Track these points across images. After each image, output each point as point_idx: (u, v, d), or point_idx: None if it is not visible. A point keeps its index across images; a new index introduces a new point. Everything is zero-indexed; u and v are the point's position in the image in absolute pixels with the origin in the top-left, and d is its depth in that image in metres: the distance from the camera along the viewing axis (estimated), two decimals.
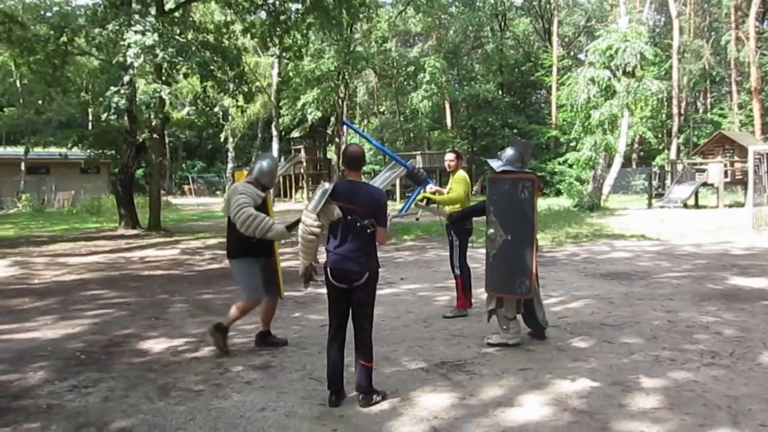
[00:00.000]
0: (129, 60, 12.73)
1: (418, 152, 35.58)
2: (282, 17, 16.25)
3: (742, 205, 22.56)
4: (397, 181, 30.93)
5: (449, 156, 7.07)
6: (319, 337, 5.69)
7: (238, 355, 5.47)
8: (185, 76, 15.23)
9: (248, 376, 4.86)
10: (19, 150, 28.83)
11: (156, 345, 5.87)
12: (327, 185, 4.29)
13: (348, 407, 4.17)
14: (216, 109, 16.20)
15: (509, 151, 5.61)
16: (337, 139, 35.86)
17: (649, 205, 24.28)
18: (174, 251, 13.36)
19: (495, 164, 5.59)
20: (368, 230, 4.17)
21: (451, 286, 8.53)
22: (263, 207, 5.43)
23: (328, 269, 4.26)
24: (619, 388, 4.39)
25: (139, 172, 23.76)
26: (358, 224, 4.16)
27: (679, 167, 26.13)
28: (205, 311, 7.34)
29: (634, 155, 40.26)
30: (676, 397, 4.22)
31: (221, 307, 7.50)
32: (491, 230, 5.40)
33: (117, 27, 12.86)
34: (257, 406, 4.21)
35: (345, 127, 33.86)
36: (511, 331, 5.49)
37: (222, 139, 40.74)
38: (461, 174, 6.96)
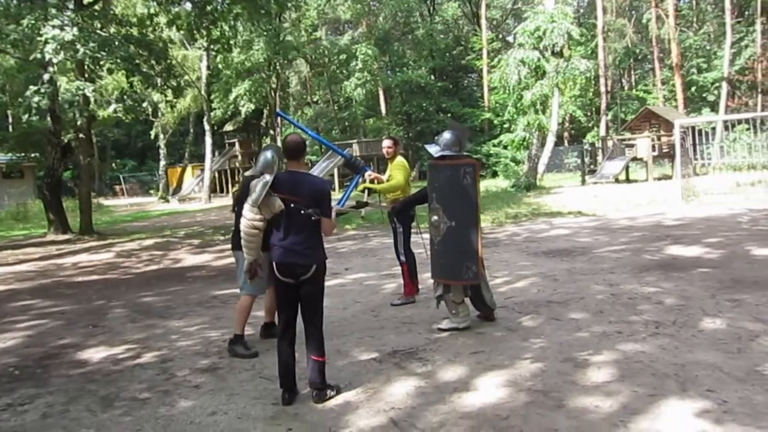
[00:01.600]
0: (48, 57, 12.07)
1: (355, 140, 35.45)
2: (208, 7, 15.73)
3: (670, 177, 23.46)
4: (335, 171, 30.75)
5: (387, 143, 6.98)
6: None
7: (183, 358, 5.27)
8: (109, 71, 14.55)
9: (195, 380, 4.68)
10: None
11: (95, 354, 5.60)
12: (267, 177, 4.15)
13: (302, 404, 4.06)
14: (145, 105, 15.52)
15: (446, 136, 5.55)
16: (271, 131, 35.27)
17: (583, 182, 24.91)
18: (109, 254, 12.85)
19: (433, 150, 5.52)
20: (312, 219, 4.05)
21: (396, 274, 8.49)
22: None
23: (273, 264, 4.10)
24: (571, 365, 4.44)
25: (67, 174, 22.74)
26: (302, 213, 4.03)
27: (609, 143, 26.90)
28: (145, 315, 7.07)
29: (566, 134, 41.25)
30: (627, 368, 4.30)
31: (162, 309, 7.26)
32: (435, 217, 5.36)
33: (32, 22, 12.14)
34: (207, 411, 4.06)
35: (279, 118, 33.37)
36: (460, 315, 5.49)
37: (152, 136, 39.47)
38: (400, 160, 6.91)
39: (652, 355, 4.54)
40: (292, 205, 4.03)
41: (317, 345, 4.12)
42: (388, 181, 6.79)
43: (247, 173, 5.67)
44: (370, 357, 4.94)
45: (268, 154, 5.40)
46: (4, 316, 7.51)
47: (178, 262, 11.30)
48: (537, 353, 4.73)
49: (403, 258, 6.77)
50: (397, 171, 6.75)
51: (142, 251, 13.03)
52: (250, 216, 4.20)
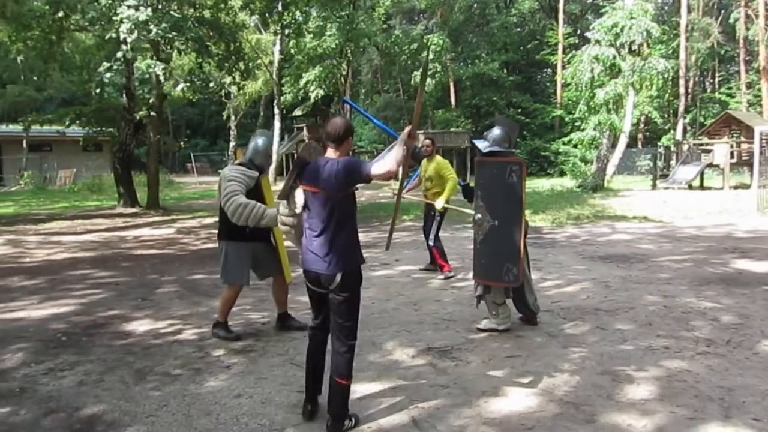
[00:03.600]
0: (122, 35, 12.48)
1: (421, 131, 35.27)
2: None
3: (747, 186, 22.30)
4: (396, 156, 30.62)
5: (426, 141, 7.76)
6: (307, 319, 5.53)
7: (221, 341, 5.33)
8: (179, 51, 14.94)
9: (228, 361, 4.73)
10: (21, 128, 28.66)
11: (139, 327, 5.76)
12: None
13: (323, 394, 4.03)
14: (212, 85, 15.87)
15: (496, 131, 5.40)
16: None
17: (654, 186, 24.01)
18: (170, 230, 13.24)
19: (482, 145, 5.39)
20: (339, 215, 3.43)
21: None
22: (257, 190, 5.14)
23: (302, 269, 3.61)
24: (609, 378, 4.24)
25: (140, 150, 23.58)
26: (324, 207, 3.43)
27: (685, 148, 25.81)
28: (193, 292, 7.22)
29: (640, 135, 39.78)
30: (668, 387, 4.07)
31: (211, 288, 7.39)
32: (478, 215, 5.22)
33: (110, 1, 12.57)
34: (234, 392, 4.08)
35: (347, 105, 33.55)
36: (500, 316, 5.34)
37: (224, 117, 40.44)
38: (443, 160, 7.79)
39: (698, 375, 4.29)
40: (313, 198, 3.47)
41: (343, 364, 3.47)
42: (429, 177, 7.68)
43: (235, 161, 5.50)
44: (403, 352, 4.87)
45: (259, 141, 5.27)
46: (63, 283, 7.83)
47: None
48: (575, 363, 4.54)
49: (431, 243, 7.77)
50: (448, 171, 7.59)
51: (201, 229, 13.36)
52: (281, 210, 3.74)
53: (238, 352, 4.94)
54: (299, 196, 3.52)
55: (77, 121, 18.27)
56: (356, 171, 3.38)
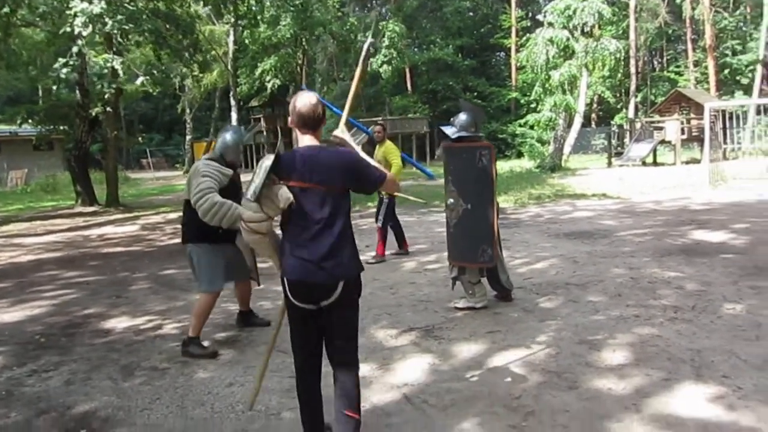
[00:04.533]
0: (77, 30, 12.20)
1: (380, 118, 35.32)
2: None
3: (698, 161, 23.05)
4: (359, 148, 30.68)
5: (378, 128, 8.10)
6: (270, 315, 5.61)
7: (203, 330, 5.34)
8: (137, 44, 14.68)
9: None
10: None
11: (118, 324, 5.74)
12: (269, 158, 2.88)
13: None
14: (173, 78, 15.69)
15: (462, 117, 5.52)
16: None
17: (609, 164, 24.61)
18: (134, 227, 13.07)
19: (450, 131, 5.51)
20: (338, 214, 2.87)
21: (415, 251, 8.57)
22: (231, 187, 4.74)
23: (285, 281, 2.91)
24: (586, 347, 4.43)
25: (95, 147, 23.06)
26: (323, 205, 2.84)
27: (638, 126, 26.48)
28: (167, 287, 7.20)
29: (593, 115, 40.63)
30: (641, 352, 4.28)
31: (185, 282, 7.36)
32: (451, 200, 5.35)
33: None
34: (225, 382, 4.14)
35: None
36: (477, 295, 5.50)
37: (179, 111, 39.75)
38: (391, 144, 8.08)
39: (668, 339, 4.52)
40: (305, 195, 2.84)
41: (354, 394, 2.94)
42: (378, 161, 7.72)
43: (205, 157, 4.95)
44: (386, 333, 4.98)
45: (228, 136, 4.89)
46: (31, 286, 7.70)
47: None
48: (552, 335, 4.73)
49: (378, 224, 8.09)
50: (394, 156, 7.87)
51: (166, 224, 13.22)
52: (247, 215, 2.90)
53: (224, 344, 4.98)
54: (282, 194, 2.81)
55: (29, 120, 17.78)
56: (367, 175, 2.94)
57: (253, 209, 2.89)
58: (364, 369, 4.18)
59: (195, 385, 4.12)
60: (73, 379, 4.37)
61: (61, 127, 18.62)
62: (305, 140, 2.96)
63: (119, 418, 3.67)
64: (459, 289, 5.72)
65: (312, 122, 2.94)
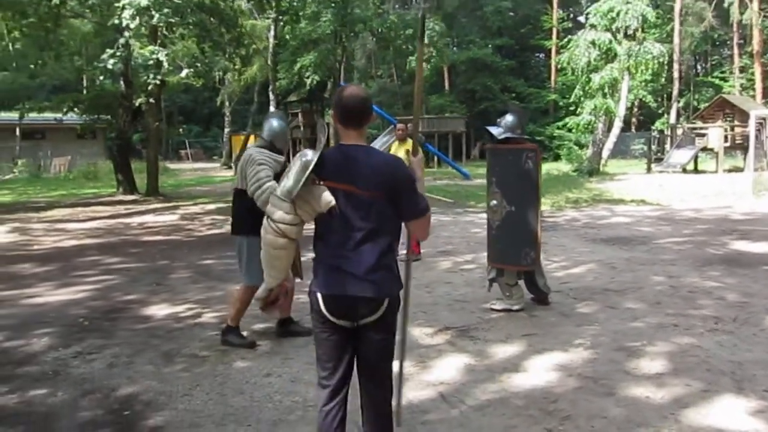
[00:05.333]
0: (124, 22, 12.49)
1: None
2: None
3: (741, 170, 22.49)
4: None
5: (401, 126, 7.90)
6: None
7: (241, 320, 5.43)
8: (182, 37, 14.93)
9: None
10: (14, 115, 28.43)
11: (159, 311, 5.87)
12: (309, 154, 2.58)
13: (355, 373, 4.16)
14: (216, 71, 15.96)
15: (509, 118, 5.52)
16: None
17: (648, 170, 24.16)
18: (173, 217, 13.31)
19: (496, 131, 5.51)
20: (383, 222, 2.54)
21: (452, 251, 8.56)
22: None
23: (318, 296, 2.59)
24: (624, 354, 4.40)
25: (135, 137, 23.53)
26: (368, 209, 2.51)
27: (679, 131, 25.96)
28: (206, 277, 7.33)
29: (634, 119, 39.93)
30: (681, 362, 4.23)
31: (223, 273, 7.50)
32: (494, 201, 5.35)
33: None
34: (263, 372, 4.21)
35: None
36: (514, 297, 5.49)
37: (218, 103, 40.28)
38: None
39: (708, 350, 4.45)
40: (348, 200, 2.52)
41: (389, 425, 2.71)
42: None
43: (255, 145, 4.82)
44: (422, 332, 5.00)
45: (275, 122, 4.75)
46: (74, 270, 7.92)
47: None
48: (590, 340, 4.70)
49: None
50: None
51: (204, 215, 13.42)
52: (277, 215, 2.60)
53: (262, 335, 5.06)
54: (324, 196, 2.51)
55: (74, 109, 18.23)
56: (410, 199, 2.57)
57: (285, 209, 2.59)
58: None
59: (234, 374, 4.20)
60: (116, 362, 4.50)
61: (105, 117, 19.07)
62: (349, 138, 2.60)
63: (161, 402, 3.77)
64: (495, 291, 5.71)
65: (358, 118, 2.60)
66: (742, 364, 4.19)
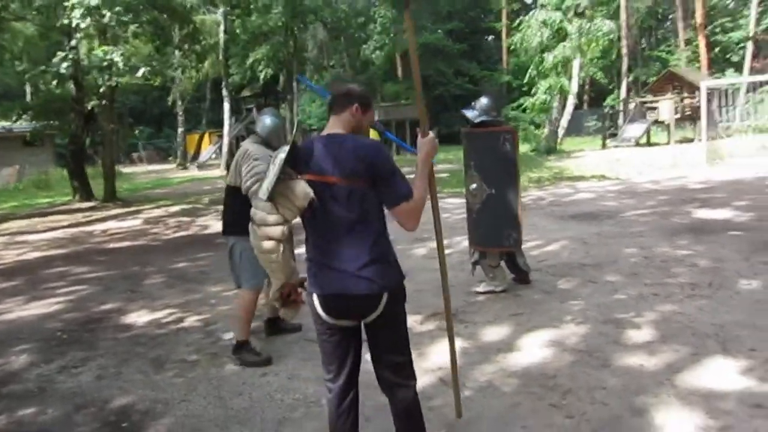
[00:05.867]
0: (74, 22, 12.07)
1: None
2: None
3: (691, 140, 23.16)
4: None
5: None
6: None
7: (226, 322, 5.36)
8: (135, 36, 14.53)
9: None
10: None
11: (138, 318, 5.75)
12: (283, 150, 2.48)
13: None
14: (175, 68, 15.58)
15: (483, 100, 5.54)
16: (288, 96, 35.12)
17: (604, 146, 24.69)
18: (136, 221, 13.02)
19: (471, 114, 5.52)
20: (370, 211, 2.44)
21: (426, 237, 8.60)
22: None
23: (313, 297, 2.51)
24: (612, 326, 4.50)
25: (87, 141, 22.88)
26: (351, 200, 2.40)
27: (631, 106, 26.54)
28: (182, 280, 7.20)
29: (586, 96, 40.65)
30: (667, 329, 4.35)
31: (197, 275, 7.39)
32: (474, 185, 5.38)
33: None
34: (258, 372, 4.17)
35: (297, 83, 33.23)
36: (497, 279, 5.55)
37: (170, 103, 39.46)
38: (372, 131, 7.73)
39: (690, 316, 4.59)
40: (329, 191, 2.42)
41: (416, 415, 2.62)
42: None
43: (250, 140, 4.56)
44: (412, 320, 4.98)
45: (268, 120, 4.52)
46: (42, 282, 7.68)
47: (205, 228, 11.41)
48: (577, 315, 4.79)
49: None
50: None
51: (169, 218, 13.17)
52: (259, 217, 2.50)
53: (251, 334, 4.98)
54: (301, 190, 2.41)
55: (23, 115, 17.61)
56: (390, 183, 2.43)
57: (267, 210, 2.48)
58: None
59: (228, 376, 4.15)
60: (104, 374, 4.39)
61: (55, 123, 18.47)
62: (330, 127, 2.55)
63: (158, 411, 3.70)
64: (479, 274, 5.76)
65: (335, 102, 2.55)
66: (724, 326, 4.33)
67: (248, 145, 4.42)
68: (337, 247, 2.43)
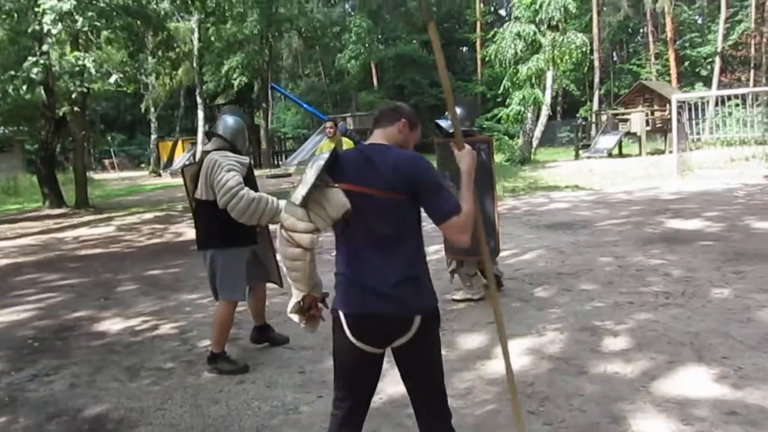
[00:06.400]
0: (45, 28, 11.89)
1: (348, 114, 35.30)
2: None
3: (662, 152, 23.61)
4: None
5: (329, 123, 8.47)
6: (281, 305, 5.57)
7: (201, 329, 5.31)
8: (108, 41, 14.36)
9: None
10: None
11: (112, 326, 5.65)
12: (324, 156, 2.37)
13: (329, 371, 4.11)
14: (149, 74, 15.43)
15: (457, 111, 5.56)
16: (264, 104, 35.01)
17: (577, 156, 25.01)
18: (109, 228, 12.83)
19: (445, 124, 5.57)
20: (408, 226, 2.32)
21: None
22: (251, 178, 4.24)
23: (340, 315, 2.35)
24: (588, 333, 4.55)
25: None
26: (388, 214, 2.28)
27: (603, 118, 26.97)
28: (156, 288, 7.11)
29: (558, 108, 41.25)
30: (642, 337, 4.41)
31: (172, 282, 7.31)
32: None
33: None
34: (235, 380, 4.12)
35: (272, 91, 33.14)
36: (474, 287, 5.58)
37: (143, 110, 39.05)
38: (348, 139, 8.35)
39: (665, 324, 4.66)
40: (366, 203, 2.28)
41: None
42: None
43: (207, 147, 4.40)
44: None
45: (230, 120, 4.33)
46: (12, 290, 7.52)
47: (180, 235, 11.28)
48: (554, 322, 4.83)
49: None
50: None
51: (142, 225, 13.00)
52: (290, 222, 2.37)
53: (226, 342, 4.94)
54: (337, 199, 2.28)
55: None
56: (435, 197, 2.30)
57: (298, 216, 2.34)
58: None
59: (205, 384, 4.10)
60: (77, 382, 4.31)
61: (24, 129, 18.17)
62: (373, 138, 2.44)
63: (134, 419, 3.64)
64: (456, 282, 5.78)
65: (382, 115, 2.47)
66: (698, 334, 4.40)
67: (215, 154, 4.15)
68: (369, 262, 2.29)
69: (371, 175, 2.27)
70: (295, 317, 2.63)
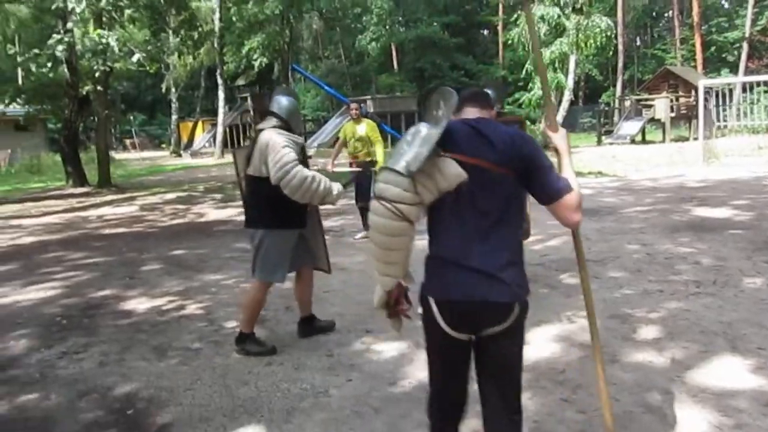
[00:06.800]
0: (70, 5, 11.90)
1: (368, 96, 35.14)
2: None
3: (686, 139, 23.27)
4: None
5: (354, 105, 8.40)
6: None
7: (227, 310, 5.32)
8: (131, 20, 14.37)
9: None
10: None
11: (139, 305, 5.69)
12: (426, 126, 2.14)
13: (357, 356, 4.14)
14: (172, 54, 15.48)
15: (488, 92, 5.48)
16: (284, 85, 34.94)
17: (599, 142, 24.76)
18: (132, 208, 12.93)
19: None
20: (513, 207, 2.18)
21: (423, 229, 8.56)
22: (304, 158, 4.20)
23: (430, 302, 2.20)
24: (618, 321, 4.49)
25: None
26: (500, 190, 2.13)
27: (627, 104, 26.60)
28: (180, 268, 7.14)
29: (581, 93, 40.77)
30: (673, 326, 4.35)
31: (196, 263, 7.33)
32: None
33: None
34: (263, 362, 4.12)
35: (292, 72, 33.06)
36: None
37: (164, 90, 39.19)
38: (373, 123, 8.23)
39: (697, 313, 4.59)
40: (478, 177, 2.10)
41: None
42: (360, 138, 8.08)
43: (262, 125, 4.30)
44: (419, 312, 4.98)
45: (284, 100, 4.28)
46: (38, 267, 7.60)
47: (202, 216, 11.34)
48: (583, 309, 4.71)
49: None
50: (377, 134, 8.10)
51: (165, 205, 13.08)
52: (394, 193, 2.09)
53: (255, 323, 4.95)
54: (451, 170, 2.08)
55: (17, 99, 17.42)
56: (544, 176, 2.18)
57: (404, 186, 2.07)
58: (402, 346, 4.22)
59: (233, 365, 4.10)
60: (106, 360, 4.34)
61: (48, 107, 18.30)
62: (470, 114, 2.29)
63: (163, 398, 3.65)
64: None
65: (481, 95, 2.40)
66: (731, 324, 4.32)
67: (270, 132, 4.08)
68: (473, 242, 2.12)
69: (484, 148, 2.12)
70: (384, 313, 2.40)
